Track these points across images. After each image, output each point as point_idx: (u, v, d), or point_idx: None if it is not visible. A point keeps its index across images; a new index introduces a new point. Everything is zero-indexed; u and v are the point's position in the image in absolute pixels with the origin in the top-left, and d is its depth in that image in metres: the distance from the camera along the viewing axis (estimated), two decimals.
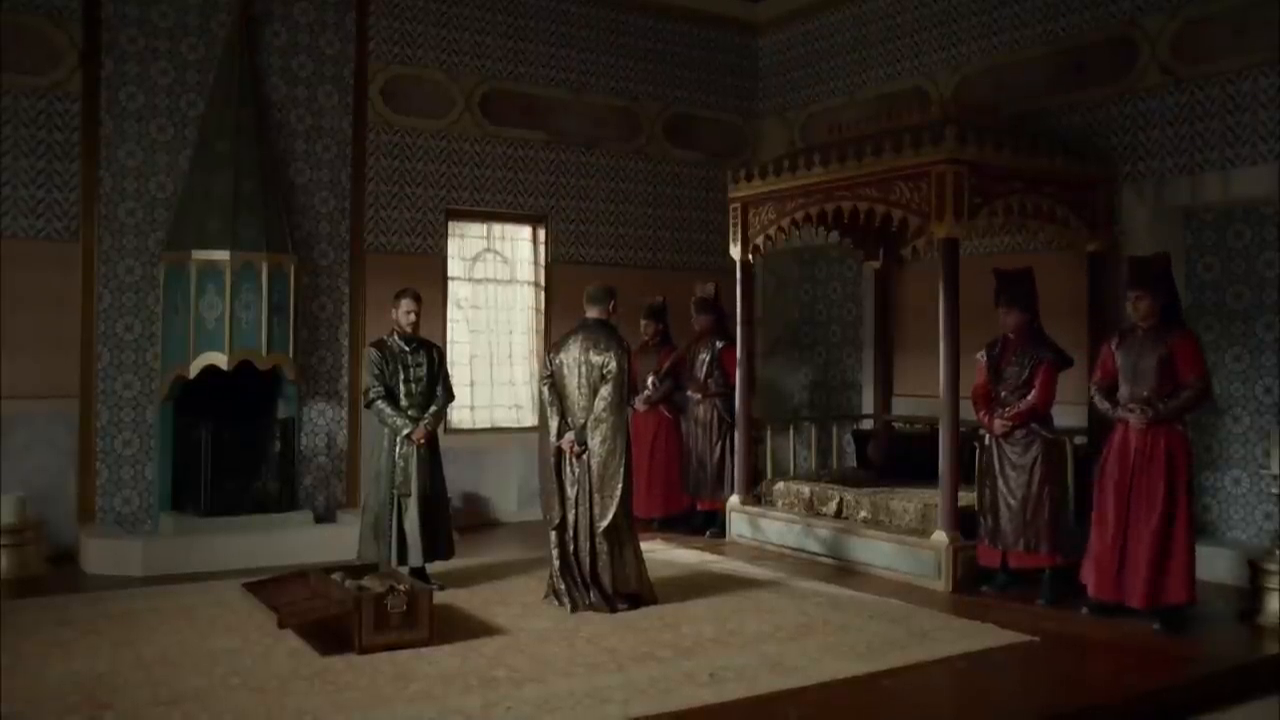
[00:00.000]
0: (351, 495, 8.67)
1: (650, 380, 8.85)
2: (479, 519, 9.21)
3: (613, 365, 6.22)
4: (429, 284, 8.68)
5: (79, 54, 7.85)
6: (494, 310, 9.71)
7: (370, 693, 4.73)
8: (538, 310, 9.82)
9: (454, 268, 9.49)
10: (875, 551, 7.32)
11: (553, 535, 6.32)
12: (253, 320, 7.77)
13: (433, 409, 6.79)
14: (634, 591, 6.32)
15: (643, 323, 9.14)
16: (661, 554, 7.78)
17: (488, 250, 9.72)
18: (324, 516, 8.37)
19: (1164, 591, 5.81)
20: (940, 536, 6.85)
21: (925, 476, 7.53)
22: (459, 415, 9.32)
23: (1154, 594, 5.82)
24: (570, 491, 6.30)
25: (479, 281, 9.66)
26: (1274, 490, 6.31)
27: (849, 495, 7.85)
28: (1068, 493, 6.72)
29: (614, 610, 6.15)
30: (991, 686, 5.06)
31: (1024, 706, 4.80)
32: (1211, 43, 7.24)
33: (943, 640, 5.62)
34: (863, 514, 7.65)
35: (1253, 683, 5.29)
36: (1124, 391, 6.03)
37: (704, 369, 8.91)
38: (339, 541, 7.47)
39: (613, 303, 6.48)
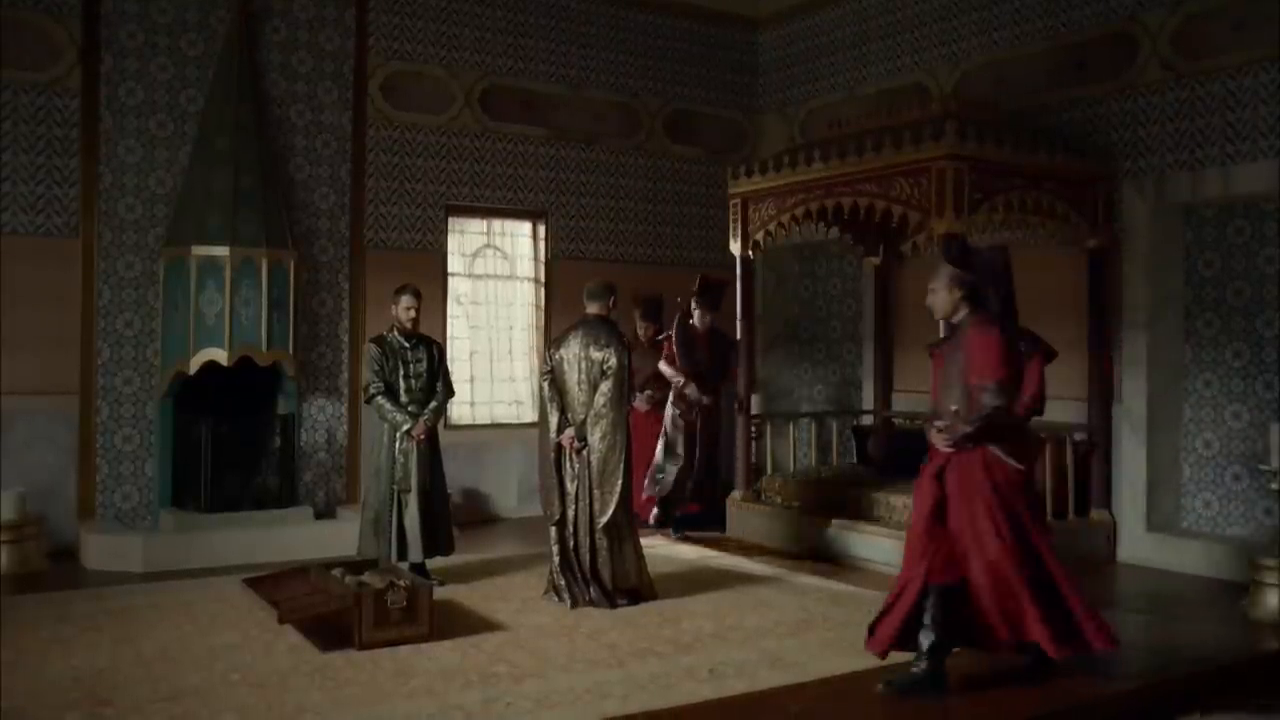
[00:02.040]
0: (351, 491, 8.67)
1: (645, 393, 8.77)
2: (479, 515, 9.21)
3: (613, 361, 6.22)
4: (429, 280, 8.69)
5: (78, 50, 7.84)
6: (494, 306, 9.70)
7: (370, 688, 4.73)
8: (538, 306, 9.81)
9: (454, 264, 9.48)
10: (875, 547, 7.31)
11: (553, 531, 6.33)
12: (253, 316, 7.77)
13: (432, 405, 6.79)
14: (634, 587, 6.33)
15: (641, 325, 9.06)
16: (661, 550, 7.78)
17: (488, 246, 9.71)
18: (324, 512, 8.37)
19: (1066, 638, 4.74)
20: None
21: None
22: (459, 411, 9.32)
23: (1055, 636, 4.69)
24: (570, 487, 6.30)
25: (479, 277, 9.65)
26: (1274, 486, 6.31)
27: (849, 491, 7.84)
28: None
29: (614, 606, 6.16)
30: (992, 683, 5.05)
31: (1024, 703, 4.79)
32: (1212, 38, 7.23)
33: None
34: (863, 510, 7.65)
35: (1252, 679, 5.29)
36: (934, 406, 5.01)
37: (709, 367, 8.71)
38: (339, 537, 7.48)
39: (612, 299, 6.48)
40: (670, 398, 8.60)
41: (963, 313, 4.86)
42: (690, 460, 8.52)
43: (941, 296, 4.93)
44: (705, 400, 8.54)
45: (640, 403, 8.66)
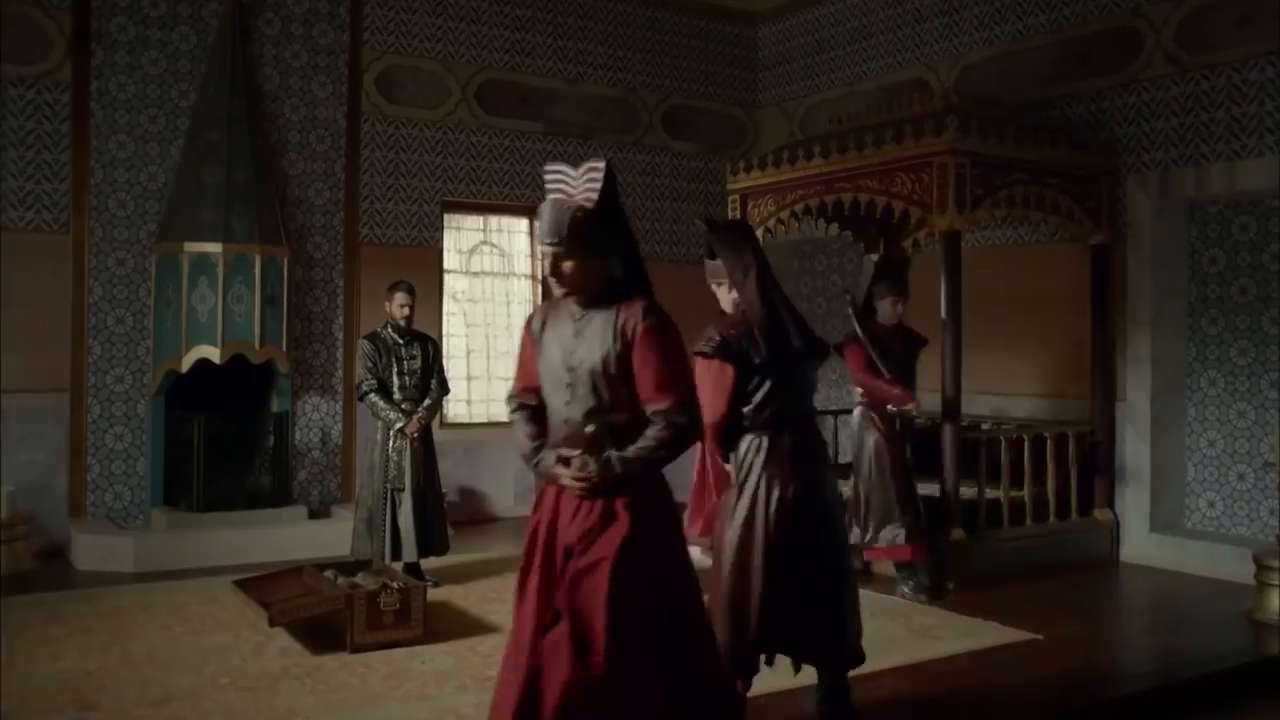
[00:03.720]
0: (346, 490, 8.60)
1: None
2: (474, 514, 9.14)
3: None
4: (424, 277, 8.60)
5: (68, 42, 7.76)
6: (490, 303, 9.63)
7: (363, 692, 4.67)
8: (535, 303, 9.74)
9: (450, 260, 9.41)
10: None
11: None
12: (246, 313, 7.70)
13: (426, 402, 6.71)
14: None
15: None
16: None
17: (484, 243, 9.64)
18: (318, 512, 8.29)
19: None
20: None
21: (927, 471, 7.44)
22: (455, 409, 9.25)
23: None
24: None
25: (475, 274, 9.59)
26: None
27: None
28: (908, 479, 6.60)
29: None
30: (995, 685, 4.99)
31: (1027, 705, 4.73)
32: (1216, 32, 7.16)
33: (945, 638, 5.55)
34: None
35: (1257, 681, 5.23)
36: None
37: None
38: (333, 537, 7.40)
39: None
40: (860, 415, 6.66)
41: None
42: (908, 489, 6.58)
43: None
44: (915, 413, 6.77)
45: None
